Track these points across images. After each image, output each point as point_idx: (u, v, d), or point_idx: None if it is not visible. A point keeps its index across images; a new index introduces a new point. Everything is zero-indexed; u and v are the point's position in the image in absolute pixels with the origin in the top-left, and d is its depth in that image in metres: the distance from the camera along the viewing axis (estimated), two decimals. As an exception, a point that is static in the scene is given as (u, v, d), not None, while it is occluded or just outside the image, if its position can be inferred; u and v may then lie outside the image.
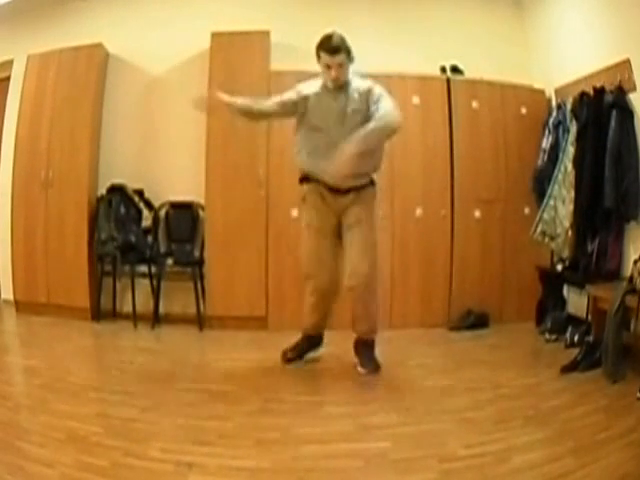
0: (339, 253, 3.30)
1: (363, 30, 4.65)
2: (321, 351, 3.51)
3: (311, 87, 3.24)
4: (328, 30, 3.16)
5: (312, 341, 3.49)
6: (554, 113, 4.28)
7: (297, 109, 3.23)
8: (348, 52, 3.14)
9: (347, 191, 3.22)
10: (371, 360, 3.30)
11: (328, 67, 3.13)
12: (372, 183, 3.33)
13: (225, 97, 3.16)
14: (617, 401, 2.76)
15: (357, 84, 3.23)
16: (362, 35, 4.57)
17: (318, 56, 3.14)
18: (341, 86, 3.20)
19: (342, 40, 3.13)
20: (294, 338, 3.46)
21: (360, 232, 3.23)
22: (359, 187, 3.24)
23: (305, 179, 3.30)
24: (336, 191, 3.21)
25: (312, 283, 3.35)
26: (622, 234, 3.75)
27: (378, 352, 3.34)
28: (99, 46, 4.57)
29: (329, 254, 3.29)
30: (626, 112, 3.61)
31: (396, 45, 4.68)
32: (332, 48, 3.09)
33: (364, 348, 3.34)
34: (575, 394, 2.87)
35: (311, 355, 3.46)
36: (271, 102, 3.28)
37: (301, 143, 3.27)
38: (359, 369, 3.27)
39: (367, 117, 3.08)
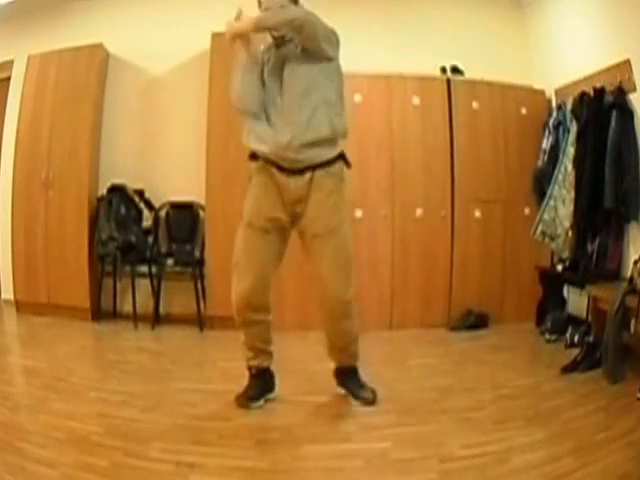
0: (279, 258, 2.67)
1: (363, 30, 4.66)
2: (276, 394, 2.80)
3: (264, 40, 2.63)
4: None
5: (262, 378, 2.76)
6: (554, 113, 4.28)
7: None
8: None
9: (302, 171, 2.55)
10: (363, 387, 2.78)
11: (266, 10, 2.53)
12: (342, 158, 2.63)
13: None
14: (617, 401, 2.76)
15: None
16: (362, 35, 4.61)
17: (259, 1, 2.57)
18: (282, 39, 2.57)
19: None
20: (294, 338, 3.45)
21: (334, 242, 2.57)
22: (318, 165, 2.54)
23: (254, 156, 2.71)
24: (288, 171, 2.56)
25: (233, 292, 2.63)
26: (622, 234, 3.75)
27: (379, 353, 3.31)
28: (99, 46, 4.57)
29: (261, 259, 2.61)
30: (626, 112, 3.61)
31: (396, 45, 4.69)
32: None
33: (349, 377, 2.82)
34: (575, 394, 2.88)
35: (270, 397, 2.77)
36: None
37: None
38: (353, 401, 2.76)
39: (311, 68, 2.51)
